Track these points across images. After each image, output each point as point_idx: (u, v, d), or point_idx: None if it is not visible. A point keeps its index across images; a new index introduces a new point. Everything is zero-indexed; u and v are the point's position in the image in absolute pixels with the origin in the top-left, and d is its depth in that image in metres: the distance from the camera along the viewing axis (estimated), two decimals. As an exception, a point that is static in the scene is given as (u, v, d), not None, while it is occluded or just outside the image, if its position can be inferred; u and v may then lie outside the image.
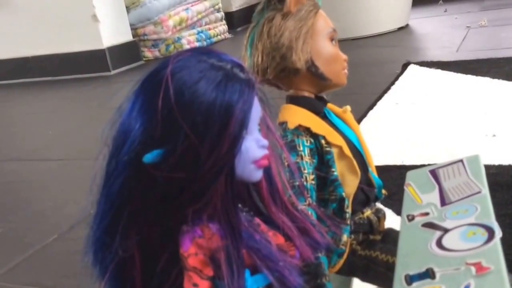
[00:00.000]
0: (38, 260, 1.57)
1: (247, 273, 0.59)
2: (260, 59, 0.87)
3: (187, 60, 0.59)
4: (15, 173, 2.40)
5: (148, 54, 4.52)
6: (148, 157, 0.56)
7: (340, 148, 0.86)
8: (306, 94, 0.89)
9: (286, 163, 0.74)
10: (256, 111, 0.61)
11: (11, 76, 4.56)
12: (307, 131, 0.86)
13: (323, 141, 0.86)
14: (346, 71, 0.91)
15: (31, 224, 1.85)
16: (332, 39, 0.90)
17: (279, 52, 0.85)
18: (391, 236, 0.90)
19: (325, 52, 0.88)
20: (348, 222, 0.87)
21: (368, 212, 0.90)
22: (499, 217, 0.68)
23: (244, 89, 0.58)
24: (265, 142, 0.62)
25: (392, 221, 0.98)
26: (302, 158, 0.84)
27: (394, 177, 1.49)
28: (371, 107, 2.23)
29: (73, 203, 1.72)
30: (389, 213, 1.24)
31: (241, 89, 0.58)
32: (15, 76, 4.54)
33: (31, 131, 3.08)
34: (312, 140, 0.86)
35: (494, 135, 1.73)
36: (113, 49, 4.23)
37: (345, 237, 0.86)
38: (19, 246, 1.68)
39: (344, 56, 0.91)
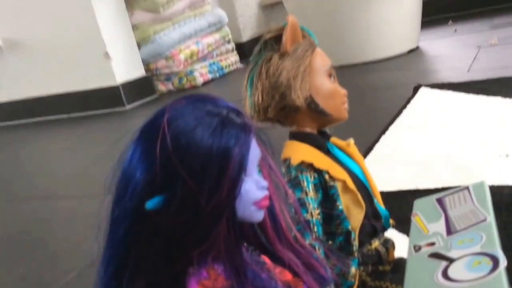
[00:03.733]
0: (58, 299, 1.58)
1: (253, 312, 0.60)
2: (260, 98, 0.88)
3: (183, 108, 0.60)
4: (33, 212, 2.42)
5: (162, 87, 4.55)
6: (150, 204, 0.58)
7: (343, 182, 0.87)
8: (308, 130, 0.91)
9: (290, 200, 0.75)
10: (255, 153, 0.62)
11: (28, 115, 4.61)
12: (311, 166, 0.87)
13: (326, 176, 0.87)
14: (346, 105, 0.92)
15: (51, 262, 1.86)
16: (330, 76, 0.91)
17: (278, 91, 0.87)
18: (402, 266, 0.89)
19: (324, 88, 0.90)
20: (356, 254, 0.87)
21: (376, 243, 0.91)
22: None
23: (240, 134, 0.60)
24: (264, 183, 0.63)
25: (406, 247, 0.98)
26: (306, 194, 0.85)
27: (408, 202, 1.48)
28: (383, 131, 2.22)
29: (92, 240, 1.73)
30: (403, 239, 1.23)
31: (237, 134, 0.59)
32: (31, 115, 4.60)
33: (48, 170, 3.11)
34: (316, 175, 0.87)
35: (507, 155, 1.72)
36: (127, 85, 4.28)
37: (353, 270, 0.86)
38: (41, 284, 1.70)
39: (344, 91, 0.92)
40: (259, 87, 0.88)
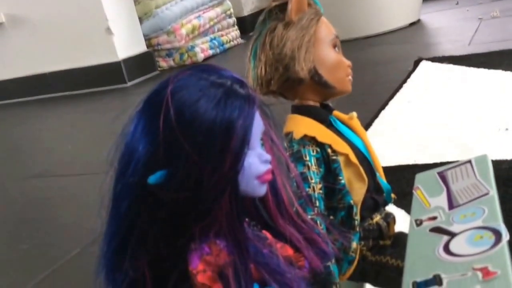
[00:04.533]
0: (62, 275, 1.59)
1: (255, 287, 0.60)
2: (263, 70, 0.87)
3: (187, 79, 0.60)
4: (37, 189, 2.42)
5: (163, 64, 4.54)
6: (153, 179, 0.58)
7: (346, 156, 0.86)
8: (311, 103, 0.90)
9: (292, 175, 0.75)
10: (258, 126, 0.61)
11: (30, 93, 4.61)
12: (313, 140, 0.86)
13: (329, 150, 0.86)
14: (350, 77, 0.91)
15: (54, 239, 1.87)
16: (335, 46, 0.90)
17: (282, 63, 0.85)
18: (402, 240, 0.89)
19: (328, 60, 0.88)
20: (357, 229, 0.87)
21: (377, 218, 0.90)
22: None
23: (244, 106, 0.59)
24: (267, 156, 0.62)
25: (404, 222, 0.98)
26: (309, 168, 0.84)
27: (407, 177, 1.49)
28: (383, 106, 2.21)
29: (95, 217, 1.73)
30: (401, 214, 1.24)
31: (241, 105, 0.58)
32: (34, 93, 4.59)
33: (51, 147, 3.11)
34: (318, 149, 0.86)
35: (506, 129, 1.72)
36: (128, 61, 4.26)
37: (354, 244, 0.86)
38: (43, 261, 1.70)
39: (348, 62, 0.91)
40: (263, 58, 0.87)
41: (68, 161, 2.71)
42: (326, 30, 0.89)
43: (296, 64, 0.85)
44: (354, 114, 0.93)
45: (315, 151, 0.86)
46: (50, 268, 1.64)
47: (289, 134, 0.87)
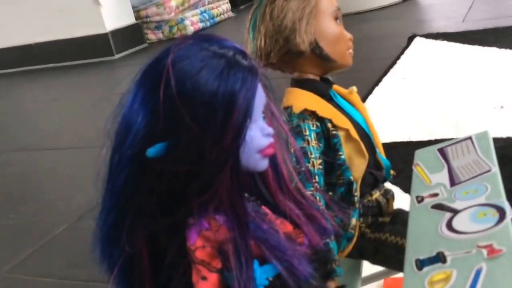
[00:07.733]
0: (49, 251, 1.57)
1: (255, 264, 0.59)
2: (263, 42, 0.85)
3: (188, 48, 0.57)
4: (23, 163, 2.40)
5: (152, 36, 4.50)
6: (152, 151, 0.56)
7: (347, 131, 0.85)
8: (311, 76, 0.87)
9: (292, 149, 0.73)
10: (260, 99, 0.59)
11: (16, 64, 4.55)
12: (313, 115, 0.84)
13: (329, 125, 0.84)
14: (351, 51, 0.89)
15: (41, 214, 1.85)
16: (336, 18, 0.87)
17: (282, 35, 0.83)
18: (400, 217, 0.89)
19: (329, 32, 0.86)
20: (357, 205, 0.85)
21: (376, 194, 0.89)
22: (507, 192, 0.67)
23: (247, 77, 0.57)
24: (270, 130, 0.60)
25: (399, 199, 0.97)
26: (308, 143, 0.82)
27: (401, 154, 1.48)
28: (377, 83, 2.21)
29: (83, 192, 1.72)
30: (396, 191, 1.22)
31: (244, 77, 0.56)
32: (19, 64, 4.54)
33: (38, 120, 3.08)
34: (318, 124, 0.84)
35: (502, 107, 1.72)
36: (116, 33, 4.22)
37: (354, 221, 0.85)
38: (30, 237, 1.69)
39: (349, 35, 0.88)
40: (262, 30, 0.85)
41: (54, 135, 2.68)
42: (328, 2, 0.87)
43: (296, 36, 0.83)
44: (354, 88, 0.91)
45: (315, 125, 0.84)
46: (37, 244, 1.62)
47: (288, 108, 0.85)
